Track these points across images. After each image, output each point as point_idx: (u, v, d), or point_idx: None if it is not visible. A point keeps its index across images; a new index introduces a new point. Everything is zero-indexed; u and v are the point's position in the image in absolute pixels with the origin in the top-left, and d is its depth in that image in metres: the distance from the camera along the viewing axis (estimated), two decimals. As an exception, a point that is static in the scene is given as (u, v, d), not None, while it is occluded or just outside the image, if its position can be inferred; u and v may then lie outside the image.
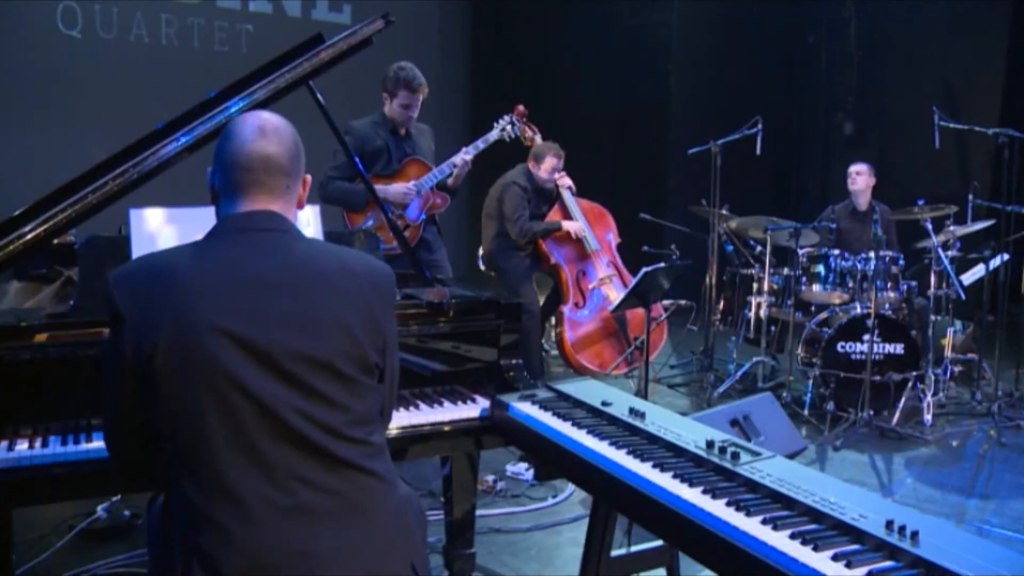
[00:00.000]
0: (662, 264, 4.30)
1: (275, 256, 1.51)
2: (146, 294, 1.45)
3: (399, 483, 1.60)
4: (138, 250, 2.23)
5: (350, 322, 1.50)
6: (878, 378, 4.58)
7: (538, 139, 5.11)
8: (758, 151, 5.27)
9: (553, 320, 5.40)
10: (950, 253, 4.93)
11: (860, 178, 5.50)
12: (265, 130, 1.55)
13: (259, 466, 1.42)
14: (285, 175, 1.57)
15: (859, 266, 4.80)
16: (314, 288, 1.50)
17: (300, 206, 1.64)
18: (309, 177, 1.67)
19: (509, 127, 4.47)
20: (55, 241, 2.35)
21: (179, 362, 1.41)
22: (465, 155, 4.01)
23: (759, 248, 5.45)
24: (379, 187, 3.80)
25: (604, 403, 2.16)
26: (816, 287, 5.00)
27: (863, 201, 5.55)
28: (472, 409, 2.35)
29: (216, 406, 1.41)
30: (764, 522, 1.49)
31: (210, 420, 1.41)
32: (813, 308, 5.16)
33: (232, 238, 1.53)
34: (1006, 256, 5.19)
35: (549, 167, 5.15)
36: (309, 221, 2.38)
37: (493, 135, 4.36)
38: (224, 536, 1.40)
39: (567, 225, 5.20)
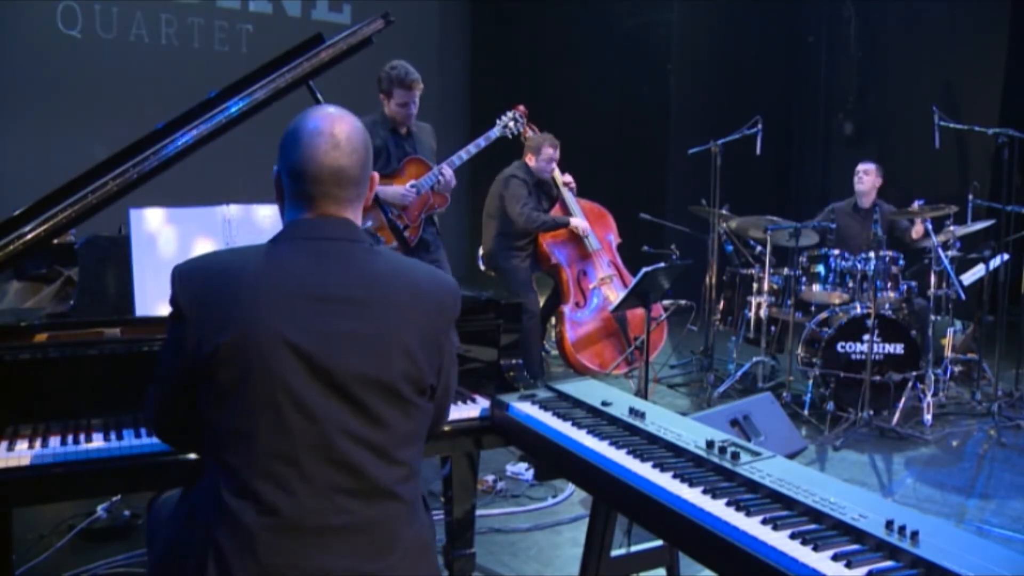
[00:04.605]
0: (662, 264, 4.30)
1: (342, 268, 1.49)
2: (212, 296, 1.44)
3: (420, 508, 1.59)
4: (138, 250, 2.23)
5: (412, 344, 1.49)
6: (878, 378, 4.58)
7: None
8: (758, 151, 5.27)
9: (553, 320, 5.40)
10: (950, 253, 4.93)
11: (868, 178, 5.49)
12: (338, 140, 1.50)
13: (297, 480, 1.42)
14: (355, 185, 1.54)
15: (859, 266, 4.80)
16: (379, 306, 1.48)
17: (367, 204, 1.60)
18: (376, 175, 1.62)
19: (512, 123, 4.45)
20: (55, 241, 2.35)
21: (240, 366, 1.41)
22: (450, 165, 3.98)
23: (759, 248, 5.45)
24: (378, 188, 3.79)
25: (604, 403, 2.16)
26: (816, 287, 5.01)
27: (867, 201, 5.54)
28: (472, 409, 2.34)
29: (268, 415, 1.41)
30: (764, 522, 1.49)
31: (259, 427, 1.41)
32: (813, 308, 5.16)
33: (299, 245, 1.50)
34: (1006, 256, 5.20)
35: (547, 156, 5.13)
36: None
37: (495, 132, 4.34)
38: (246, 541, 1.40)
39: (575, 221, 5.19)
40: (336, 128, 1.51)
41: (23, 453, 1.91)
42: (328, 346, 1.43)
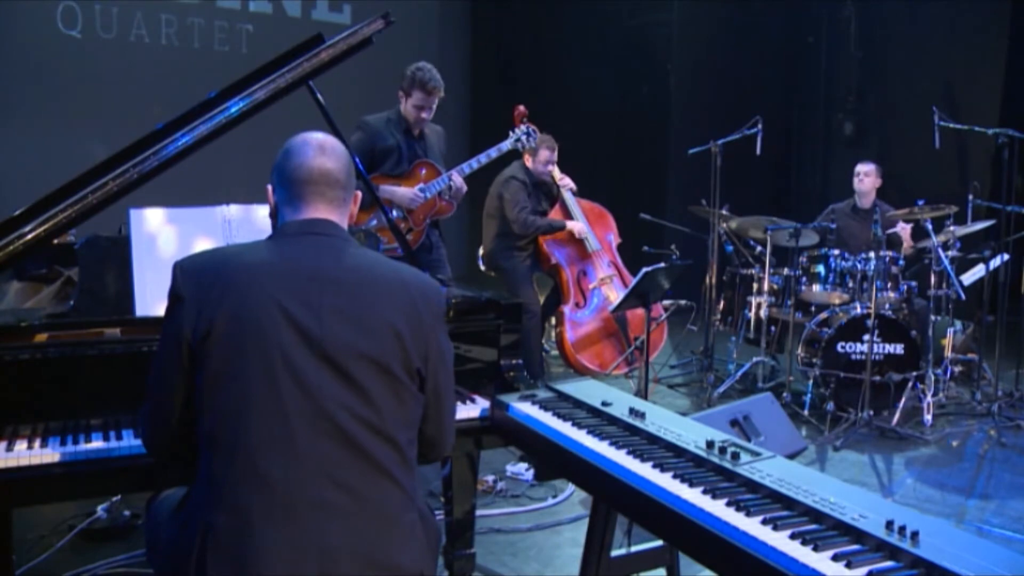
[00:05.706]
0: (662, 264, 4.30)
1: (332, 257, 1.59)
2: (209, 277, 1.53)
3: (418, 501, 1.62)
4: (138, 250, 2.23)
5: (398, 325, 1.56)
6: (878, 378, 4.58)
7: None
8: (758, 151, 5.26)
9: (553, 320, 5.40)
10: (950, 253, 4.93)
11: (868, 179, 5.49)
12: (324, 147, 1.67)
13: (293, 455, 1.45)
14: (342, 188, 1.68)
15: (859, 266, 4.80)
16: (366, 289, 1.58)
17: (352, 220, 1.73)
18: (360, 193, 1.77)
19: (524, 137, 4.40)
20: (55, 241, 2.35)
21: (235, 339, 1.47)
22: (460, 173, 3.94)
23: (759, 248, 5.45)
24: (387, 188, 3.79)
25: (604, 403, 2.16)
26: (816, 287, 5.00)
27: (867, 201, 5.54)
28: (472, 409, 2.35)
29: (264, 387, 1.46)
30: (764, 522, 1.49)
31: (255, 401, 1.45)
32: (813, 308, 5.16)
33: (292, 239, 1.62)
34: (1006, 256, 5.19)
35: (544, 158, 5.15)
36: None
37: (507, 144, 4.27)
38: (245, 520, 1.43)
39: (571, 225, 5.19)
40: (321, 140, 1.68)
41: (22, 453, 1.91)
42: (322, 320, 1.50)
